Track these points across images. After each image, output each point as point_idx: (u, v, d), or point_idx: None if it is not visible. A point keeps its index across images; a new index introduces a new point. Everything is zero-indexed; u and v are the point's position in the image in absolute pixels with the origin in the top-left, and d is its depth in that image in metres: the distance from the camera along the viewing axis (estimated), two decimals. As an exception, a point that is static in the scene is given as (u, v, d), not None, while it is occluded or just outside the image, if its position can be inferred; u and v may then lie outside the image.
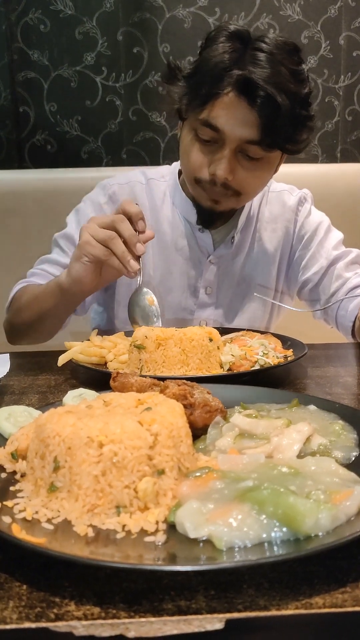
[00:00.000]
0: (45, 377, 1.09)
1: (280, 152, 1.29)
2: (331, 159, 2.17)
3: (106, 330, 1.45)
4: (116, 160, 2.11)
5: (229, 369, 1.03)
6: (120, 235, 1.13)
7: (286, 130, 1.20)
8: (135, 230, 1.15)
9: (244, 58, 1.18)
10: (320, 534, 0.50)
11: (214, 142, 1.23)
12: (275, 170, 1.35)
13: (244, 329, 1.26)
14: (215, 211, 1.32)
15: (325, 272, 1.40)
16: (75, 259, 1.17)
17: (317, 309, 1.41)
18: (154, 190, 1.46)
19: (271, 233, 1.46)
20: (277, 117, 1.16)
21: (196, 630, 0.44)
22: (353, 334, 1.34)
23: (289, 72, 1.18)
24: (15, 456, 0.63)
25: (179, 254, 1.44)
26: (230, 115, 1.19)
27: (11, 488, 0.60)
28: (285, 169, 2.01)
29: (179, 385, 0.74)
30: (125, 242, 1.13)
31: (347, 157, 2.18)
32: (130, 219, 1.15)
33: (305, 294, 1.46)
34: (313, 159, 2.16)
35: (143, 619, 0.44)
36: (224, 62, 1.18)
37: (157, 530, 0.52)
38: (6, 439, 0.68)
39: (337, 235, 1.45)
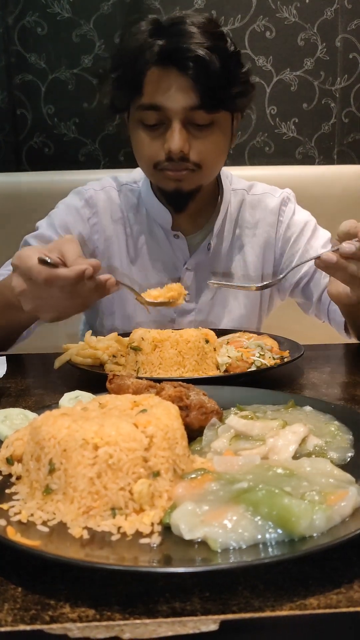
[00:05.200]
0: (42, 379, 1.09)
1: (229, 114, 1.28)
2: (328, 160, 2.18)
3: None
4: (114, 162, 2.11)
5: (226, 371, 1.03)
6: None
7: (223, 87, 1.21)
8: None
9: (162, 32, 1.21)
10: (314, 535, 0.50)
11: (161, 124, 1.23)
12: (233, 138, 1.34)
13: (240, 330, 1.26)
14: (183, 192, 1.29)
15: (316, 269, 1.38)
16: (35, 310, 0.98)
17: (278, 280, 1.30)
18: (128, 196, 1.44)
19: (252, 239, 1.43)
20: (209, 76, 1.18)
21: (191, 631, 0.44)
22: (346, 330, 1.34)
23: (208, 35, 1.19)
24: (10, 461, 0.63)
25: (155, 261, 1.42)
26: (165, 88, 1.20)
27: (6, 490, 0.60)
28: (281, 170, 2.02)
29: (174, 387, 0.74)
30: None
31: (343, 159, 2.18)
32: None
33: (297, 293, 1.45)
34: (310, 161, 2.17)
35: (138, 621, 0.44)
36: (144, 39, 1.21)
37: (152, 532, 0.52)
38: (2, 442, 0.68)
39: (324, 234, 1.43)
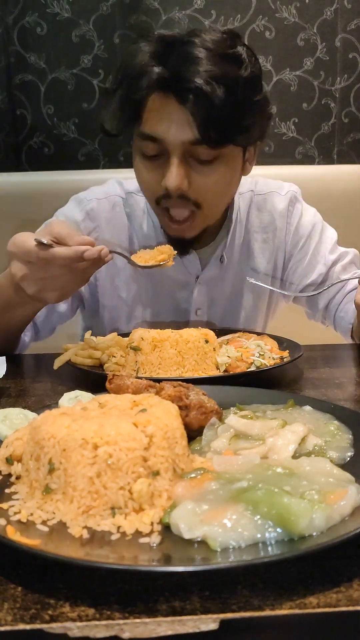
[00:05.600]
0: (42, 380, 1.08)
1: (240, 148, 1.17)
2: (328, 160, 2.18)
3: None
4: (113, 163, 2.11)
5: (225, 371, 1.03)
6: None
7: (228, 120, 1.07)
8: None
9: (165, 55, 1.08)
10: (314, 534, 0.50)
11: (162, 155, 1.12)
12: (244, 169, 1.23)
13: (240, 330, 1.26)
14: (185, 239, 1.22)
15: (324, 279, 1.36)
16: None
17: (304, 295, 1.36)
18: (133, 206, 1.34)
19: (262, 244, 1.38)
20: (211, 109, 1.05)
21: (190, 630, 0.44)
22: (352, 336, 1.34)
23: (218, 58, 1.05)
24: (10, 461, 0.63)
25: (164, 277, 1.33)
26: (163, 119, 1.09)
27: (6, 490, 0.60)
28: (281, 170, 2.02)
29: (174, 387, 0.74)
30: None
31: (343, 159, 2.19)
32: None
33: (302, 300, 1.43)
34: (309, 161, 2.17)
35: (137, 620, 0.44)
36: (143, 63, 1.09)
37: (151, 532, 0.53)
38: (1, 441, 0.68)
39: (331, 235, 1.40)
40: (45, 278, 0.97)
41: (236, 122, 1.09)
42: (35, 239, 0.94)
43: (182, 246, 1.24)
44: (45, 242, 0.94)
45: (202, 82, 1.04)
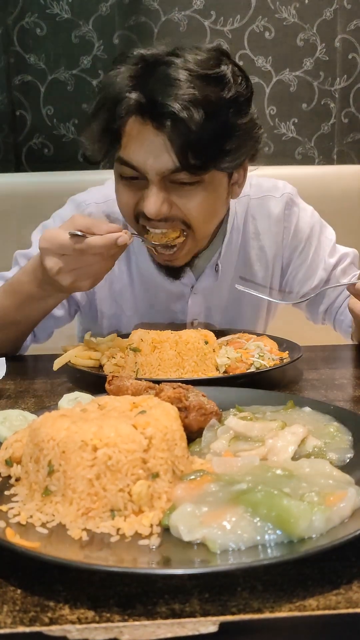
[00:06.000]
0: (42, 381, 1.09)
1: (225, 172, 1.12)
2: (327, 161, 2.18)
3: None
4: (113, 163, 2.11)
5: (225, 372, 1.03)
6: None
7: (209, 145, 1.03)
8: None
9: (144, 78, 1.04)
10: (313, 536, 0.50)
11: (141, 179, 1.09)
12: (232, 192, 1.19)
13: (240, 331, 1.26)
14: (175, 267, 1.21)
15: (325, 284, 1.35)
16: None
17: (295, 302, 1.34)
18: None
19: (259, 251, 1.35)
20: (189, 134, 1.00)
21: (190, 633, 0.44)
22: (351, 336, 1.34)
23: (199, 80, 1.01)
24: (9, 463, 0.63)
25: (159, 287, 1.31)
26: (140, 146, 1.05)
27: (5, 492, 0.60)
28: (281, 170, 2.02)
29: (173, 388, 0.74)
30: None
31: (343, 159, 2.18)
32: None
33: (302, 305, 1.41)
34: (309, 161, 2.17)
35: (137, 623, 0.44)
36: (121, 87, 1.05)
37: (151, 534, 0.53)
38: (1, 443, 0.68)
39: (330, 236, 1.38)
40: (80, 268, 1.02)
41: (218, 147, 1.05)
42: (69, 232, 0.98)
43: (175, 271, 1.23)
44: (79, 233, 0.98)
45: (179, 106, 0.99)
